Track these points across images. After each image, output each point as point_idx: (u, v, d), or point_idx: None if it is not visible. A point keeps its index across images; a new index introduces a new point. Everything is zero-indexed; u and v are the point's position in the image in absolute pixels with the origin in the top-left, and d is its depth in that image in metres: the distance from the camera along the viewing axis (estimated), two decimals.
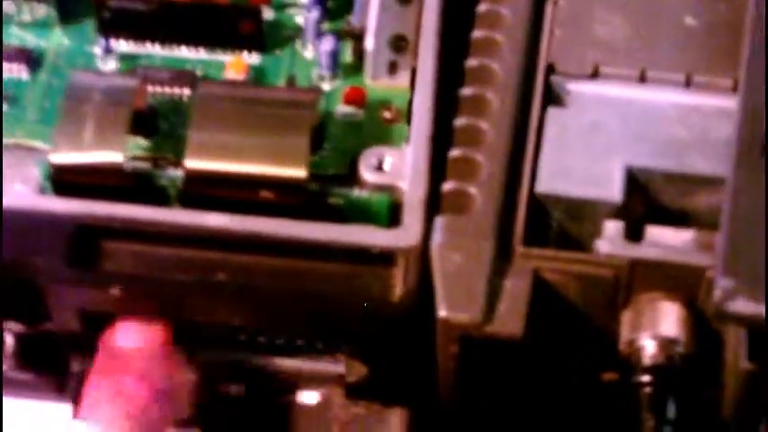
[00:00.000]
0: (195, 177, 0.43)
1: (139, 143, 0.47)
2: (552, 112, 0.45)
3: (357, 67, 0.49)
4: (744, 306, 0.38)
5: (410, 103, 0.47)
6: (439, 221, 0.42)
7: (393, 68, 0.49)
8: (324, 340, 0.43)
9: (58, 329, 0.43)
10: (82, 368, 0.44)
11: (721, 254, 0.39)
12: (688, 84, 0.46)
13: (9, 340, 0.42)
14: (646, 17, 0.47)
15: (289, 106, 0.45)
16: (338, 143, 0.47)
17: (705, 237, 0.42)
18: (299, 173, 0.43)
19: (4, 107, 0.47)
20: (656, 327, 0.41)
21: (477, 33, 0.47)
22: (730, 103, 0.44)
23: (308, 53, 0.49)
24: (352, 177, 0.45)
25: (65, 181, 0.44)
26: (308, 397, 0.47)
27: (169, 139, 0.46)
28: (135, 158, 0.45)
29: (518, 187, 0.43)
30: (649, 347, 0.40)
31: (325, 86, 0.48)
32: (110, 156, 0.43)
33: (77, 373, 0.45)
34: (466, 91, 0.45)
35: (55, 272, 0.41)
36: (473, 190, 0.42)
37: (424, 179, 0.44)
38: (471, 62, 0.46)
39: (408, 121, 0.47)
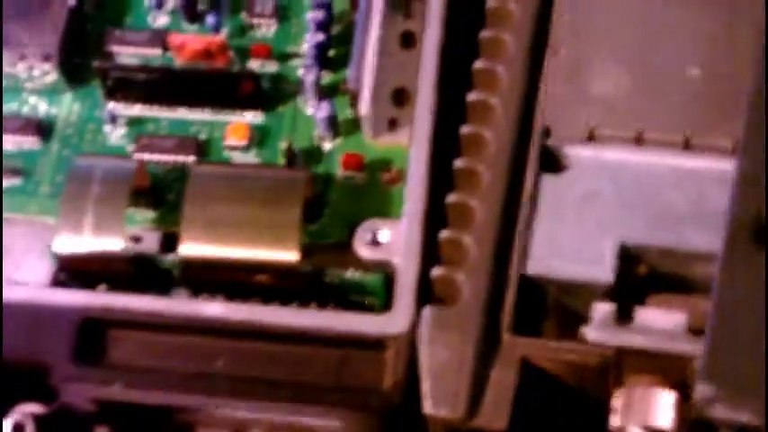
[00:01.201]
0: (191, 264, 0.44)
1: (147, 216, 0.48)
2: (546, 179, 0.45)
3: (357, 123, 0.49)
4: (723, 412, 0.38)
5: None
6: (426, 313, 0.42)
7: (393, 125, 0.48)
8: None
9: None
10: None
11: (702, 359, 0.38)
12: (686, 145, 0.44)
13: (29, 427, 0.44)
14: (647, 67, 0.46)
15: (279, 189, 0.45)
16: (338, 210, 0.47)
17: (698, 318, 0.42)
18: (292, 257, 0.44)
19: (18, 181, 0.49)
20: (646, 416, 0.41)
21: (472, 96, 0.46)
22: (729, 166, 0.43)
23: (310, 110, 0.49)
24: (350, 247, 0.46)
25: (69, 269, 0.45)
26: None
27: (176, 208, 0.48)
28: (135, 240, 0.47)
29: (508, 269, 0.43)
30: None
31: (326, 146, 0.49)
32: (110, 243, 0.45)
33: None
34: (459, 163, 0.45)
35: (62, 368, 0.43)
36: (461, 277, 0.42)
37: (417, 259, 0.44)
38: (465, 129, 0.46)
39: None
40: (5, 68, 0.50)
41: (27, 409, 0.44)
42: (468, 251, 0.43)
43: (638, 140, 0.45)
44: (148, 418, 0.45)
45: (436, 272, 0.43)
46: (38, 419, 0.44)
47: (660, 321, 0.42)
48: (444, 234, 0.44)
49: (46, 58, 0.50)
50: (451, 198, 0.44)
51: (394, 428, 0.43)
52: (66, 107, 0.50)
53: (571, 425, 0.43)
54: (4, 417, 0.44)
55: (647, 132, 0.45)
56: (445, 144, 0.46)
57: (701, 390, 0.38)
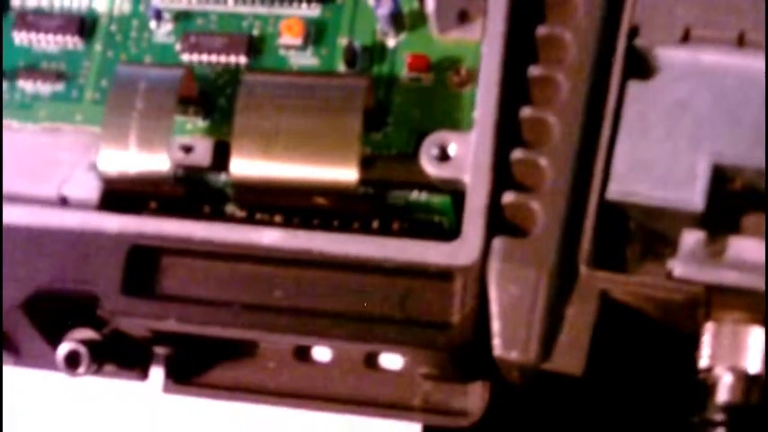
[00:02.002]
0: (243, 185, 0.41)
1: (198, 125, 0.44)
2: (633, 86, 0.40)
3: (424, 16, 0.44)
4: None
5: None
6: (496, 245, 0.38)
7: (463, 17, 0.44)
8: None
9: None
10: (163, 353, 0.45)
11: None
12: None
13: (83, 354, 0.42)
14: None
15: (337, 99, 0.41)
16: (403, 117, 0.43)
17: None
18: (351, 175, 0.40)
19: (61, 86, 0.46)
20: (736, 358, 0.37)
21: None
22: None
23: (371, 0, 0.45)
24: (416, 158, 0.42)
25: (115, 191, 0.43)
26: (391, 362, 0.46)
27: (228, 115, 0.44)
28: (186, 149, 0.43)
29: (588, 193, 0.39)
30: (726, 381, 0.37)
31: (390, 42, 0.44)
32: (156, 163, 0.42)
33: (160, 357, 0.45)
34: (534, 71, 0.40)
35: (112, 300, 0.41)
36: (535, 204, 0.38)
37: (488, 179, 0.40)
38: (542, 30, 0.41)
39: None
40: None
41: (80, 335, 0.43)
42: (544, 173, 0.39)
43: (741, 41, 0.39)
44: (206, 341, 0.43)
45: (508, 197, 0.39)
46: (92, 346, 0.42)
47: (755, 253, 0.37)
48: (517, 154, 0.39)
49: None
50: (525, 112, 0.40)
51: (463, 365, 0.40)
52: (108, 2, 0.47)
53: (656, 364, 0.39)
54: (58, 344, 0.42)
55: (751, 32, 0.39)
56: (522, 44, 0.42)
57: None
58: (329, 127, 0.41)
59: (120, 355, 0.44)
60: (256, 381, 0.45)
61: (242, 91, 0.42)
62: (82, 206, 0.44)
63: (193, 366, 0.45)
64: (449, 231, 0.41)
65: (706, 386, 0.38)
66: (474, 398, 0.44)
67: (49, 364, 0.43)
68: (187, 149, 0.44)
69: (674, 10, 0.40)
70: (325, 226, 0.42)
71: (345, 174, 0.40)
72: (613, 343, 0.39)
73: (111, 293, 0.41)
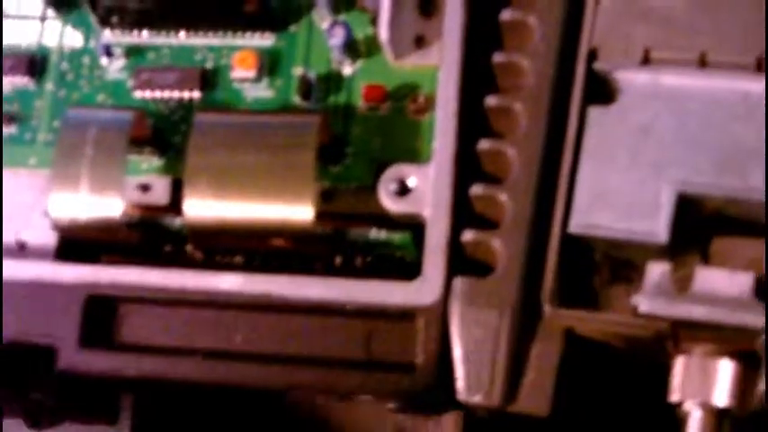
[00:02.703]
0: (198, 228, 0.40)
1: (154, 164, 0.43)
2: (594, 112, 0.39)
3: (379, 42, 0.43)
4: None
5: None
6: (457, 286, 0.37)
7: (420, 42, 0.42)
8: None
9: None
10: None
11: None
12: (758, 67, 0.38)
13: (44, 407, 0.41)
14: None
15: (291, 136, 0.40)
16: (361, 148, 0.42)
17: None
18: (306, 213, 0.39)
19: (12, 129, 0.45)
20: (705, 392, 0.36)
21: (505, 15, 0.40)
22: None
23: (326, 24, 0.43)
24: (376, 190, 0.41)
25: (72, 237, 0.42)
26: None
27: (183, 153, 0.43)
28: (144, 188, 0.42)
29: (550, 226, 0.38)
30: (696, 416, 0.36)
31: (346, 70, 0.43)
32: (108, 209, 0.40)
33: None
34: (491, 101, 0.39)
35: (70, 352, 0.40)
36: (496, 242, 0.37)
37: (447, 214, 0.39)
38: (498, 57, 0.39)
39: None
40: None
41: (42, 391, 0.42)
42: (505, 209, 0.38)
43: (702, 63, 0.38)
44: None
45: (467, 235, 0.38)
46: (55, 400, 0.42)
47: (723, 285, 0.36)
48: (476, 189, 0.38)
49: None
50: (483, 145, 0.39)
51: (430, 403, 0.39)
52: (58, 39, 0.45)
53: (625, 399, 0.39)
54: (22, 399, 0.41)
55: (712, 53, 0.38)
56: (480, 70, 0.41)
57: None
58: (283, 165, 0.40)
59: (85, 403, 0.43)
60: None
61: (194, 130, 0.41)
62: (40, 252, 0.43)
63: (161, 411, 0.44)
64: (412, 265, 0.40)
65: (678, 420, 0.37)
66: (447, 426, 0.43)
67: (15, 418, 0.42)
68: (144, 188, 0.43)
69: (632, 32, 0.39)
70: (286, 267, 0.41)
71: (301, 212, 0.39)
72: (582, 378, 0.38)
73: (68, 346, 0.40)
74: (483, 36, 0.40)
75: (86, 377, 0.40)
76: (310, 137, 0.40)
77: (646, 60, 0.38)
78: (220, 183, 0.40)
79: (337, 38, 0.42)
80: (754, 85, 0.38)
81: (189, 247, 0.42)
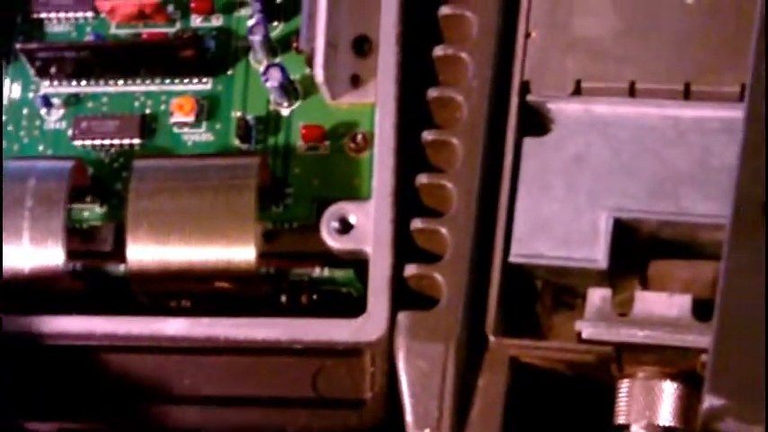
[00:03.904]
0: (142, 274, 0.40)
1: (96, 212, 0.43)
2: (529, 143, 0.39)
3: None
4: (735, 427, 0.34)
5: None
6: (402, 320, 0.38)
7: (356, 81, 0.43)
8: None
9: None
10: None
11: (708, 367, 0.34)
12: (686, 94, 0.39)
13: None
14: None
15: (230, 180, 0.40)
16: (302, 187, 0.42)
17: (704, 290, 0.37)
18: (248, 256, 0.39)
19: None
20: (650, 415, 0.37)
21: (438, 51, 0.40)
22: (736, 113, 0.38)
23: (263, 67, 0.44)
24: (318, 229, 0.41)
25: (14, 289, 0.41)
26: None
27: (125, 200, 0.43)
28: (77, 254, 0.42)
29: (491, 257, 0.38)
30: None
31: (284, 112, 0.43)
32: (51, 258, 0.40)
33: None
34: (428, 135, 0.40)
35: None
36: (438, 275, 0.38)
37: (389, 249, 0.39)
38: (433, 92, 0.40)
39: None
40: None
41: None
42: (446, 242, 0.38)
43: (632, 91, 0.39)
44: None
45: (410, 270, 0.38)
46: None
47: (662, 307, 0.37)
48: (417, 224, 0.39)
49: None
50: (422, 179, 0.39)
51: None
52: None
53: (572, 424, 0.39)
54: None
55: (641, 81, 0.39)
56: (416, 105, 0.41)
57: (710, 402, 0.34)
58: (224, 207, 0.40)
59: None
60: None
61: (133, 177, 0.41)
62: None
63: None
64: (357, 301, 0.41)
65: None
66: None
67: None
68: (87, 236, 0.43)
69: (563, 63, 0.40)
70: (233, 308, 0.41)
71: (243, 253, 0.40)
72: (529, 405, 0.38)
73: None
74: (417, 72, 0.41)
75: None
76: (250, 178, 0.40)
77: (577, 91, 0.39)
78: (162, 227, 0.40)
79: (274, 80, 0.42)
80: (683, 111, 0.39)
81: (133, 293, 0.42)
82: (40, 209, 0.41)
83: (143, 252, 0.40)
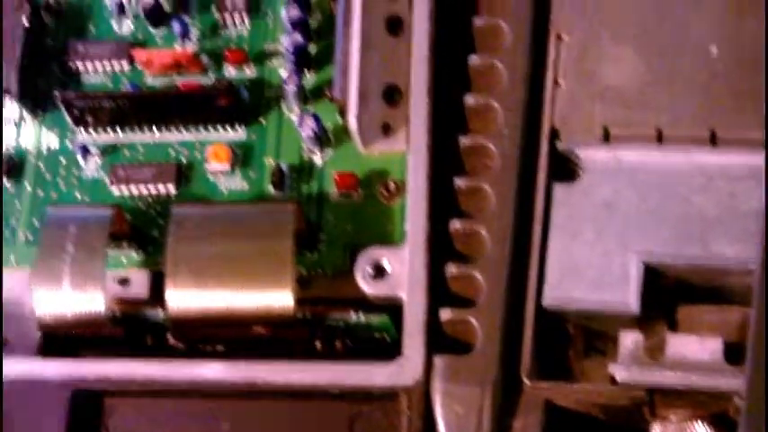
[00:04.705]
0: (180, 319, 0.41)
1: (133, 258, 0.44)
2: (559, 189, 0.40)
3: (348, 130, 0.44)
4: None
5: None
6: (438, 364, 0.39)
7: (387, 130, 0.44)
8: None
9: None
10: None
11: (743, 411, 0.34)
12: (713, 140, 0.40)
13: None
14: (662, 48, 0.41)
15: (267, 226, 0.41)
16: (335, 234, 0.43)
17: (734, 333, 0.38)
18: (286, 302, 0.40)
19: None
20: None
21: (470, 100, 0.41)
22: (761, 159, 0.38)
23: (295, 118, 0.45)
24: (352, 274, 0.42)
25: (55, 334, 0.42)
26: None
27: (161, 246, 0.44)
28: (115, 300, 0.43)
29: (524, 301, 0.39)
30: None
31: (317, 160, 0.44)
32: (91, 304, 0.41)
33: None
34: (460, 182, 0.41)
35: None
36: (473, 320, 0.39)
37: (424, 295, 0.40)
38: (465, 140, 0.41)
39: None
40: None
41: None
42: (480, 287, 0.39)
43: (659, 138, 0.40)
44: None
45: (445, 314, 0.39)
46: None
47: (694, 351, 0.38)
48: (452, 269, 0.40)
49: (5, 92, 0.45)
50: (456, 225, 0.40)
51: None
52: (35, 140, 0.46)
53: None
54: None
55: (668, 128, 0.40)
56: (448, 152, 0.42)
57: None
58: (262, 254, 0.41)
59: None
60: None
61: (172, 223, 0.42)
62: (22, 349, 0.43)
63: None
64: (392, 345, 0.41)
65: None
66: None
67: None
68: (123, 282, 0.44)
69: (591, 110, 0.41)
70: (268, 353, 0.42)
71: (281, 299, 0.40)
72: None
73: None
74: (448, 119, 0.42)
75: None
76: (287, 225, 0.41)
77: (606, 138, 0.40)
78: (201, 274, 0.41)
79: (308, 129, 0.43)
80: (709, 157, 0.40)
81: (171, 338, 0.43)
82: (81, 255, 0.41)
83: (182, 297, 0.41)
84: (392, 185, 0.43)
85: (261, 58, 0.46)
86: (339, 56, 0.44)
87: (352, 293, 0.42)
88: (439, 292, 0.40)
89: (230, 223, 0.41)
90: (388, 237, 0.43)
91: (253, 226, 0.41)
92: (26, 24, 0.46)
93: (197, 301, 0.41)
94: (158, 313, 0.43)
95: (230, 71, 0.46)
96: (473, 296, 0.39)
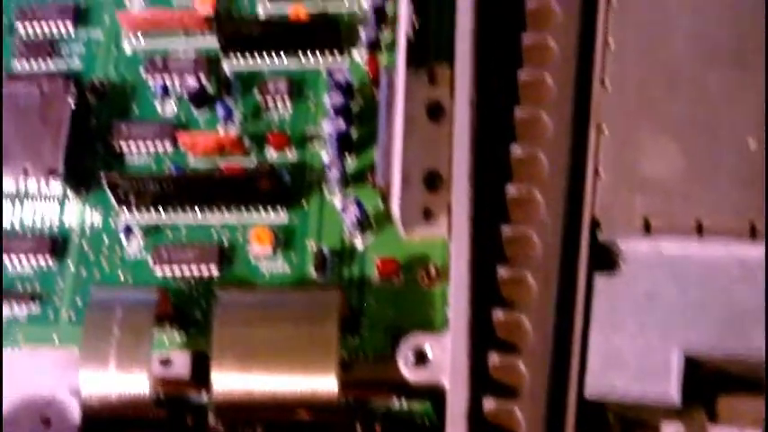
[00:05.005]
0: (225, 401, 0.42)
1: (175, 339, 0.45)
2: (600, 280, 0.41)
3: (389, 215, 0.45)
4: None
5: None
6: None
7: (428, 215, 0.45)
8: None
9: None
10: None
11: None
12: (752, 233, 0.40)
13: None
14: (702, 141, 0.41)
15: (312, 311, 0.42)
16: (376, 319, 0.44)
17: None
18: (331, 387, 0.41)
19: (35, 308, 0.46)
20: None
21: (511, 190, 0.42)
22: None
23: (337, 203, 0.46)
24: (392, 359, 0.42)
25: (96, 414, 0.43)
26: None
27: (203, 327, 0.45)
28: (165, 363, 0.44)
29: (566, 390, 0.40)
30: None
31: (358, 244, 0.45)
32: (136, 385, 0.42)
33: None
34: (503, 272, 0.41)
35: None
36: (517, 411, 0.39)
37: (466, 382, 0.40)
38: (507, 230, 0.42)
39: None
40: (8, 185, 0.47)
41: None
42: (522, 376, 0.40)
43: (699, 230, 0.41)
44: None
45: (488, 405, 0.40)
46: None
47: None
48: (494, 359, 0.40)
49: (51, 173, 0.46)
50: (498, 315, 0.41)
51: None
52: (78, 219, 0.47)
53: None
54: None
55: (708, 220, 0.40)
56: (488, 239, 0.43)
57: None
58: (307, 339, 0.41)
59: None
60: None
61: (217, 307, 0.42)
62: (64, 429, 0.44)
63: None
64: (433, 431, 0.42)
65: None
66: None
67: None
68: (165, 363, 0.45)
69: (632, 202, 0.41)
70: None
71: (326, 383, 0.41)
72: None
73: None
74: (489, 207, 0.43)
75: None
76: (332, 311, 0.41)
77: (646, 229, 0.41)
78: (246, 357, 0.41)
79: (351, 214, 0.44)
80: (749, 249, 0.40)
81: (212, 420, 0.43)
82: (127, 338, 0.42)
83: (227, 380, 0.41)
84: (433, 271, 0.44)
85: (302, 141, 0.47)
86: (382, 142, 0.44)
87: (394, 378, 0.42)
88: (481, 379, 0.41)
89: (275, 308, 0.42)
90: (429, 322, 0.43)
91: (298, 311, 0.42)
92: (72, 107, 0.47)
93: (242, 385, 0.41)
94: (199, 395, 0.43)
95: (272, 153, 0.47)
96: (515, 385, 0.40)
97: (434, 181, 0.44)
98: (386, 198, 0.44)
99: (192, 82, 0.47)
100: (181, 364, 0.44)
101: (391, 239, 0.45)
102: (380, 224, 0.45)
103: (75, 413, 0.44)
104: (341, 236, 0.45)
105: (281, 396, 0.41)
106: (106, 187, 0.46)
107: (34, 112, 0.47)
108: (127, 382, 0.42)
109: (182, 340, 0.45)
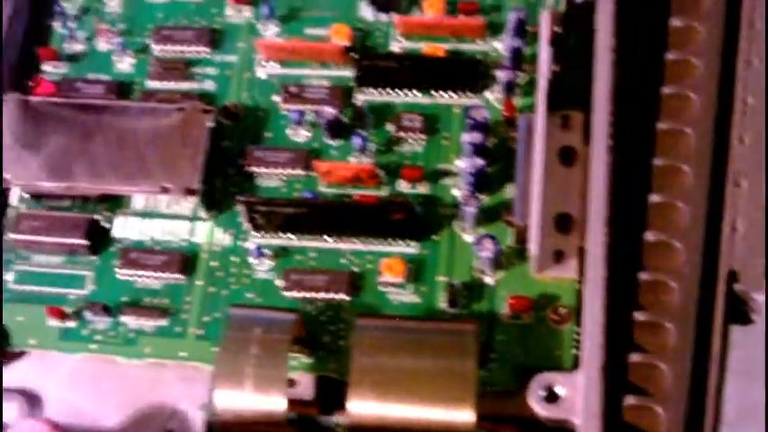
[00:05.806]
0: (358, 429, 0.42)
1: (303, 362, 0.46)
2: (736, 332, 0.42)
3: (521, 254, 0.46)
4: None
5: (579, 297, 0.44)
6: None
7: (559, 257, 0.45)
8: None
9: None
10: None
11: None
12: None
13: None
14: None
15: (449, 343, 0.42)
16: (505, 354, 0.45)
17: None
18: (468, 417, 0.42)
19: (164, 322, 0.47)
20: None
21: (650, 236, 0.43)
22: None
23: (468, 237, 0.47)
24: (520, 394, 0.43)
25: (226, 429, 0.43)
26: None
27: (331, 352, 0.45)
28: (290, 383, 0.44)
29: None
30: None
31: (488, 280, 0.46)
32: (272, 405, 0.43)
33: None
34: (640, 316, 0.42)
35: None
36: None
37: (598, 426, 0.41)
38: (644, 276, 0.43)
39: (578, 321, 0.44)
40: (139, 202, 0.48)
41: None
42: (659, 422, 0.40)
43: None
44: None
45: None
46: None
47: None
48: (630, 401, 0.41)
49: (188, 192, 0.47)
50: (635, 358, 0.42)
51: None
52: (208, 237, 0.48)
53: None
54: None
55: None
56: (620, 284, 0.44)
57: None
58: (444, 371, 0.42)
59: None
60: None
61: (356, 335, 0.43)
62: None
63: None
64: None
65: None
66: None
67: None
68: (291, 383, 0.45)
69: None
70: None
71: (463, 416, 0.42)
72: None
73: None
74: (622, 253, 0.44)
75: None
76: (470, 345, 0.42)
77: None
78: (383, 385, 0.42)
79: (487, 251, 0.45)
80: None
81: None
82: (265, 358, 0.43)
83: (364, 407, 0.42)
84: (562, 311, 0.45)
85: (434, 175, 0.48)
86: (520, 182, 0.45)
87: (521, 413, 0.43)
88: (613, 420, 0.42)
89: (413, 338, 0.43)
90: (556, 360, 0.44)
91: (435, 342, 0.43)
92: (211, 128, 0.48)
93: (378, 412, 0.42)
94: (332, 419, 0.44)
95: (402, 186, 0.48)
96: (648, 428, 0.41)
97: (566, 223, 0.45)
98: (522, 237, 0.45)
99: (329, 111, 0.48)
100: (306, 385, 0.45)
101: (522, 277, 0.46)
102: (510, 262, 0.46)
103: (198, 427, 0.45)
104: (470, 271, 0.46)
105: (415, 425, 0.42)
106: (241, 208, 0.47)
107: (175, 132, 0.47)
108: (263, 401, 0.42)
109: (309, 363, 0.45)
